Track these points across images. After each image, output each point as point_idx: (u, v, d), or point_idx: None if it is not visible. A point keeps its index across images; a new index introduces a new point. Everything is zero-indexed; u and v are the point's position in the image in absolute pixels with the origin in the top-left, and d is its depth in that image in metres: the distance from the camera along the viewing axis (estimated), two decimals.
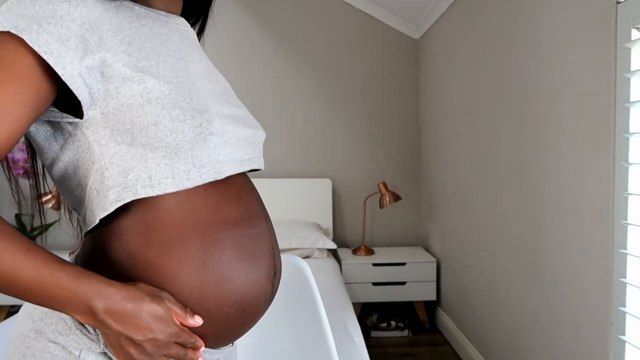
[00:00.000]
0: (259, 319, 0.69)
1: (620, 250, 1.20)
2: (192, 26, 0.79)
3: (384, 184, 2.81)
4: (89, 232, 0.62)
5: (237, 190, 0.65)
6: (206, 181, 0.60)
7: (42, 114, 0.54)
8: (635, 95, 1.16)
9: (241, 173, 0.68)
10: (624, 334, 1.20)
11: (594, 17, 1.29)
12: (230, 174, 0.64)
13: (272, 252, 0.68)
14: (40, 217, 0.74)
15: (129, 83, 0.55)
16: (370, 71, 3.08)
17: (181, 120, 0.57)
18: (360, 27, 3.06)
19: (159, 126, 0.56)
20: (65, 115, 0.57)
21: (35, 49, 0.49)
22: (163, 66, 0.59)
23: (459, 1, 2.33)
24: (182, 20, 0.69)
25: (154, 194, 0.57)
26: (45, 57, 0.50)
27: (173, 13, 0.69)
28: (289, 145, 3.08)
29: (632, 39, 1.15)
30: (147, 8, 0.64)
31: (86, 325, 0.57)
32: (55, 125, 0.59)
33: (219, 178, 0.61)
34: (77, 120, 0.56)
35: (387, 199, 2.76)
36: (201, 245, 0.59)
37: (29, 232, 2.79)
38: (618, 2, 1.19)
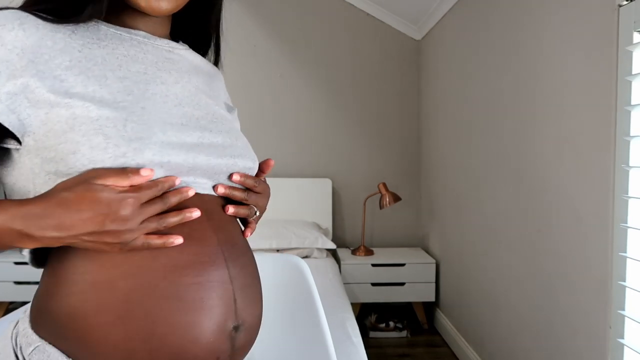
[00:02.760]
0: None
1: (620, 253, 1.20)
2: (205, 49, 0.77)
3: (384, 185, 2.80)
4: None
5: (188, 231, 0.57)
6: None
7: None
8: (636, 99, 1.16)
9: (202, 208, 0.60)
10: (622, 337, 1.20)
11: (596, 20, 1.29)
12: None
13: (231, 303, 0.59)
14: None
15: (56, 108, 0.53)
16: (372, 71, 3.08)
17: (102, 149, 0.52)
18: (362, 28, 3.06)
19: (77, 155, 0.52)
20: (7, 140, 0.55)
21: None
22: (107, 90, 0.56)
23: (461, 3, 2.33)
24: (169, 42, 0.67)
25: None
26: None
27: (159, 35, 0.67)
28: (290, 145, 3.08)
29: (634, 42, 1.15)
30: (120, 28, 0.62)
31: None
32: (3, 150, 0.57)
33: None
34: (18, 146, 0.55)
35: (387, 199, 2.76)
36: (128, 294, 0.53)
37: None
38: (620, 5, 1.19)
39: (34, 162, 0.54)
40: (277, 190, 2.95)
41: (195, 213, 0.56)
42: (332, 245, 2.70)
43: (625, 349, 1.19)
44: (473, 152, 2.21)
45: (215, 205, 0.64)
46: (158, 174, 0.55)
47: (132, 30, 0.64)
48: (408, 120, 3.12)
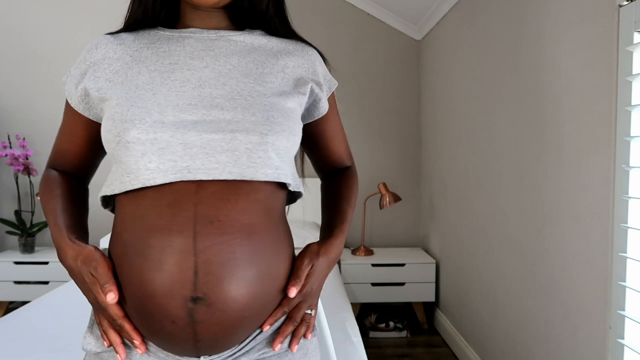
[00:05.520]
0: (182, 344, 0.64)
1: (620, 254, 1.20)
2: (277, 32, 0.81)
3: (384, 185, 2.81)
4: None
5: (171, 201, 0.63)
6: (136, 187, 0.63)
7: (95, 129, 0.76)
8: (636, 99, 1.16)
9: (198, 182, 0.63)
10: (622, 338, 1.20)
11: (596, 20, 1.29)
12: (164, 182, 0.62)
13: (190, 273, 0.61)
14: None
15: (102, 103, 0.70)
16: (372, 72, 3.08)
17: (108, 130, 0.66)
18: (362, 28, 3.07)
19: (103, 136, 0.67)
20: None
21: (65, 89, 0.75)
22: (134, 83, 0.69)
23: (461, 3, 2.33)
24: (218, 31, 0.76)
25: (109, 193, 0.67)
26: (66, 93, 0.75)
27: (212, 27, 0.77)
28: None
29: (634, 42, 1.15)
30: (174, 30, 0.76)
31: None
32: None
33: (148, 185, 0.63)
34: None
35: (387, 199, 2.76)
36: (123, 245, 0.65)
37: (28, 228, 2.79)
38: (620, 5, 1.19)
39: None
40: None
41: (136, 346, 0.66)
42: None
43: (625, 350, 1.19)
44: (473, 152, 2.21)
45: (216, 185, 0.64)
46: (151, 150, 0.63)
47: (184, 30, 0.76)
48: (408, 120, 3.12)
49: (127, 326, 0.64)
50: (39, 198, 0.81)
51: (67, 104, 0.76)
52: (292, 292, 0.68)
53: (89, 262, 0.64)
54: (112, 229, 0.70)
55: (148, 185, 0.63)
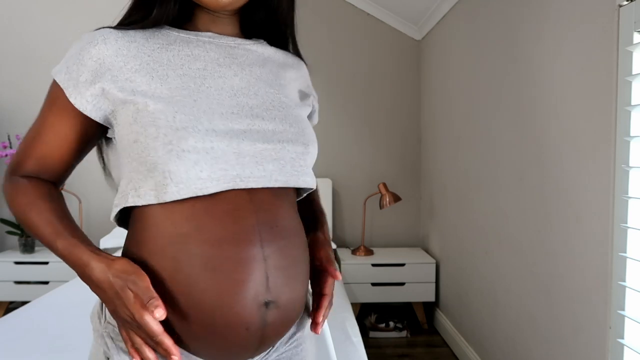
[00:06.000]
0: (248, 349, 0.65)
1: (620, 254, 1.20)
2: (283, 44, 0.83)
3: (384, 185, 2.80)
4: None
5: (230, 209, 0.63)
6: (185, 197, 0.61)
7: (88, 131, 0.69)
8: (636, 99, 1.16)
9: (248, 190, 0.65)
10: (622, 338, 1.20)
11: (596, 20, 1.29)
12: (217, 191, 0.62)
13: (263, 279, 0.63)
14: None
15: (126, 105, 0.64)
16: (372, 71, 3.08)
17: (154, 137, 0.61)
18: (362, 28, 3.07)
19: (138, 143, 0.62)
20: (109, 131, 0.71)
21: (62, 86, 0.66)
22: (166, 87, 0.65)
23: (461, 3, 2.33)
24: (235, 39, 0.75)
25: (140, 204, 0.63)
26: (65, 91, 0.66)
27: (227, 34, 0.76)
28: None
29: (634, 42, 1.15)
30: (189, 32, 0.72)
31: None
32: (111, 140, 0.76)
33: (200, 194, 0.61)
34: (114, 136, 0.69)
35: (387, 199, 2.76)
36: (172, 261, 0.62)
37: None
38: (620, 5, 1.19)
39: (119, 148, 0.68)
40: None
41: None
42: (332, 245, 2.70)
43: (625, 349, 1.19)
44: (473, 152, 2.21)
45: (264, 192, 0.67)
46: (205, 159, 0.61)
47: (201, 33, 0.73)
48: (408, 120, 3.12)
49: (168, 342, 0.60)
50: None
51: (58, 102, 0.68)
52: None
53: (125, 276, 0.59)
54: (144, 242, 0.64)
55: (200, 194, 0.61)
